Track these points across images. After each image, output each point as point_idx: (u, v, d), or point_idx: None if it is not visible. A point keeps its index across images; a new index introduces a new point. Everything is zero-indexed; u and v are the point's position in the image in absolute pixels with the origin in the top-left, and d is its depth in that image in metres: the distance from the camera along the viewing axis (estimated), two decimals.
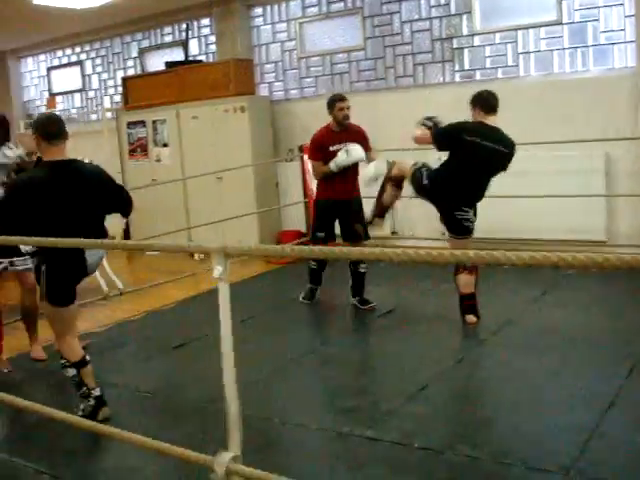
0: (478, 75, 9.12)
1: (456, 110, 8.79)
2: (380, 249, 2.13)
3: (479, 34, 9.06)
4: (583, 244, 8.12)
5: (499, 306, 6.51)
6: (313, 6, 10.30)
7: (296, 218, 10.12)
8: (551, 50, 8.62)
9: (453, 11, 9.20)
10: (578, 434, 3.93)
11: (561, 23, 8.50)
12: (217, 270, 2.56)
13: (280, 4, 10.57)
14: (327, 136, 6.96)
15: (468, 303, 6.12)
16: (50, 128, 4.40)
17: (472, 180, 6.00)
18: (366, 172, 6.78)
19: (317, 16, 10.29)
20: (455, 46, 9.24)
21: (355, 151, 6.75)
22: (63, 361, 4.61)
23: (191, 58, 11.22)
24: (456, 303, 6.23)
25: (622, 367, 4.87)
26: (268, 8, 10.72)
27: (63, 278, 4.48)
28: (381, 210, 6.71)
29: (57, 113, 10.84)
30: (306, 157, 8.65)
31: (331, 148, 6.84)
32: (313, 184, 7.89)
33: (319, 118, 9.96)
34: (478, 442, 3.92)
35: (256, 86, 10.78)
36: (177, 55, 11.53)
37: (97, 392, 4.53)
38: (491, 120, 6.04)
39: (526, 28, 8.72)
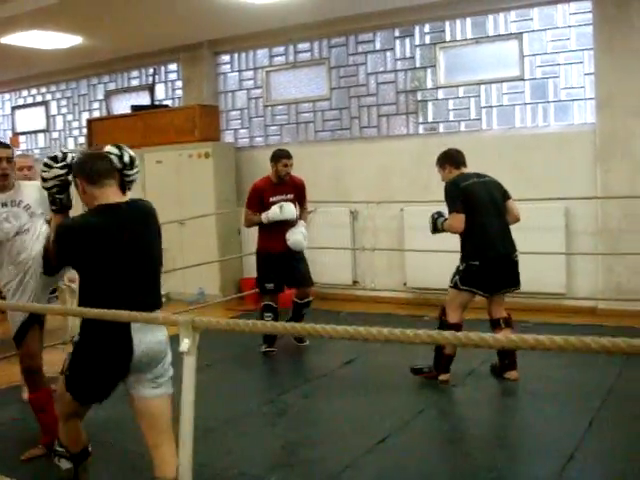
0: (441, 128, 9.25)
1: (419, 162, 8.98)
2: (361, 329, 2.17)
3: (443, 87, 9.20)
4: (545, 296, 8.21)
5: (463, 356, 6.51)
6: (280, 55, 10.40)
7: None
8: (513, 105, 8.78)
9: (418, 64, 9.36)
10: None
11: (523, 79, 8.68)
12: (184, 344, 2.51)
13: (247, 52, 10.66)
14: (268, 187, 7.10)
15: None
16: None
17: (493, 222, 5.84)
18: (295, 239, 7.02)
19: (284, 65, 10.39)
20: (419, 99, 9.37)
21: (289, 209, 6.94)
22: (59, 448, 3.59)
23: (157, 102, 11.24)
24: (416, 351, 6.24)
25: (583, 420, 4.90)
26: (235, 55, 10.80)
27: (95, 368, 3.31)
28: (445, 362, 5.87)
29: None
30: None
31: (271, 199, 7.03)
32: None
33: None
34: None
35: (221, 132, 10.82)
36: (143, 99, 11.55)
37: None
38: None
39: (489, 83, 8.89)
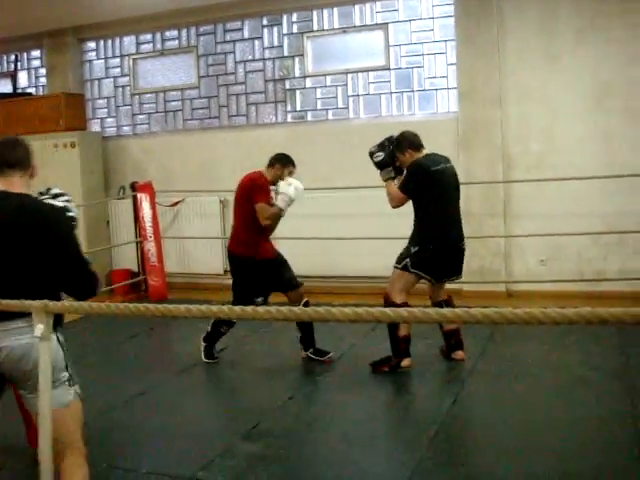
0: (310, 116, 9.34)
1: (288, 149, 8.95)
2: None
3: (311, 76, 9.29)
4: None
5: (333, 339, 6.59)
6: (147, 43, 10.23)
7: (127, 257, 9.91)
8: (379, 94, 8.95)
9: (286, 53, 9.40)
10: (404, 466, 4.05)
11: (389, 68, 8.86)
12: (38, 329, 2.45)
13: (114, 39, 10.43)
14: (267, 184, 6.23)
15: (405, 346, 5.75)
16: None
17: (452, 210, 5.75)
18: (296, 186, 6.05)
19: (151, 53, 10.23)
20: (288, 87, 9.42)
21: (299, 183, 6.10)
22: None
23: (20, 90, 10.88)
24: (290, 341, 6.30)
25: (448, 397, 5.08)
26: (101, 42, 10.55)
27: None
28: (403, 345, 5.71)
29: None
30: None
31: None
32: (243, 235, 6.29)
33: (151, 155, 9.96)
34: (311, 477, 3.95)
35: (87, 122, 10.56)
36: (5, 87, 11.14)
37: None
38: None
39: (355, 72, 9.02)
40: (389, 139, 5.89)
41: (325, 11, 9.15)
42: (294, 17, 9.33)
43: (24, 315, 2.84)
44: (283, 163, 6.27)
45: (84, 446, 3.13)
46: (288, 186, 5.98)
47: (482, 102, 8.26)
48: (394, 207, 5.79)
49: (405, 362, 5.68)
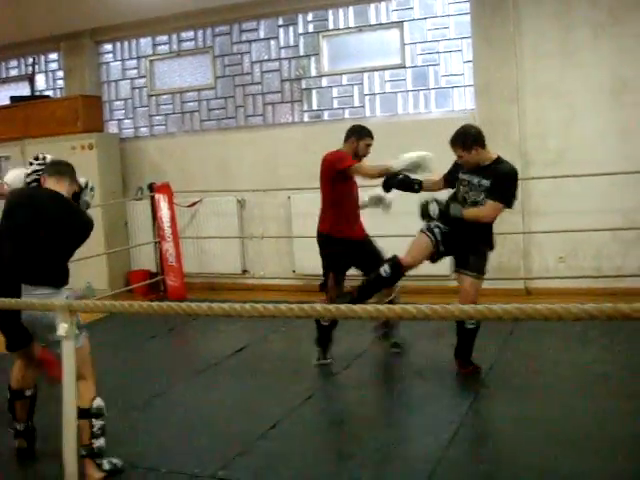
0: (326, 115, 9.34)
1: (305, 149, 9.04)
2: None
3: (327, 75, 9.29)
4: (429, 278, 8.40)
5: (348, 342, 6.60)
6: (164, 44, 10.27)
7: (146, 258, 9.96)
8: (395, 92, 8.94)
9: (302, 53, 9.40)
10: (425, 463, 4.04)
11: (404, 67, 8.85)
12: (62, 328, 2.47)
13: (130, 41, 10.48)
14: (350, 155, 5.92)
15: None
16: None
17: None
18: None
19: (168, 54, 10.27)
20: (304, 87, 9.43)
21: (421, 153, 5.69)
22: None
23: (38, 93, 10.93)
24: (301, 338, 6.31)
25: (466, 398, 5.07)
26: (118, 45, 10.60)
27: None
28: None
29: None
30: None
31: None
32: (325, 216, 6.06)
33: (169, 156, 9.99)
34: (330, 476, 3.95)
35: (105, 123, 10.60)
36: (23, 90, 11.20)
37: (20, 427, 4.50)
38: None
39: (371, 71, 9.01)
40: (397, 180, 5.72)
41: (340, 10, 9.15)
42: (309, 17, 9.33)
43: (47, 283, 4.06)
44: (359, 135, 5.96)
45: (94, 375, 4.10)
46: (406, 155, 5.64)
47: (499, 99, 8.23)
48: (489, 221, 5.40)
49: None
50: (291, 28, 9.44)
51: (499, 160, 5.39)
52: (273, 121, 9.64)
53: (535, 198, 8.20)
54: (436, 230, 5.41)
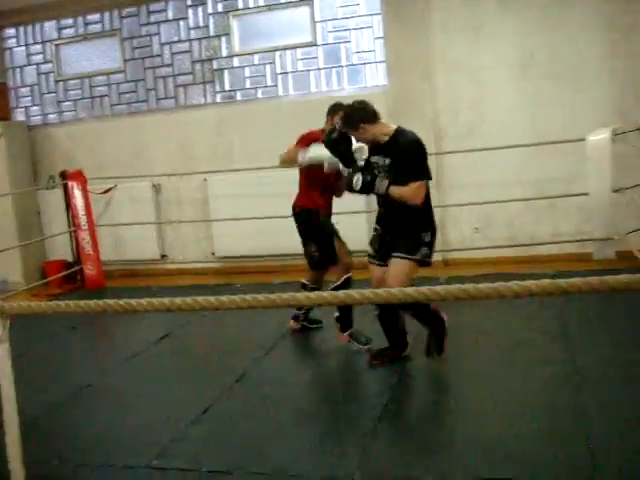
0: (239, 95, 9.27)
1: (219, 130, 9.00)
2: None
3: (238, 55, 9.21)
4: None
5: (272, 323, 6.61)
6: (69, 27, 9.98)
7: (62, 248, 9.71)
8: (307, 70, 8.94)
9: (212, 33, 9.29)
10: (360, 438, 4.09)
11: (316, 44, 8.84)
12: None
13: (34, 25, 10.16)
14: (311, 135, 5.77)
15: None
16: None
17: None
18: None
19: (74, 38, 9.99)
20: (215, 67, 9.33)
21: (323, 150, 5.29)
22: None
23: None
24: (233, 324, 6.29)
25: (393, 373, 5.15)
26: (21, 29, 10.26)
27: None
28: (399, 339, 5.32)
29: None
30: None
31: None
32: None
33: (80, 143, 9.78)
34: (264, 458, 3.94)
35: (12, 111, 10.31)
36: None
37: None
38: None
39: (283, 49, 8.98)
40: (335, 135, 5.02)
41: None
42: None
43: None
44: (332, 111, 5.78)
45: None
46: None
47: (410, 74, 8.31)
48: (420, 204, 4.86)
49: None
50: (200, 8, 9.30)
51: (397, 132, 4.95)
52: (185, 103, 9.51)
53: (449, 172, 8.32)
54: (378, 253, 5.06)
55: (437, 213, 8.14)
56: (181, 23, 9.42)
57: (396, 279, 4.76)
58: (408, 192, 4.78)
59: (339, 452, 3.95)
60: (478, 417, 4.24)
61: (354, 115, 4.92)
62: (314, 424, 4.43)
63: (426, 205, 4.94)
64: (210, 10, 9.26)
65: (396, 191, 4.79)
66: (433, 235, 5.01)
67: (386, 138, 4.94)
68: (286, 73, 9.03)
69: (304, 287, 5.96)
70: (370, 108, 4.95)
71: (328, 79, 8.88)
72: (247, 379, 5.35)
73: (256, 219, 8.40)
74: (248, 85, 9.22)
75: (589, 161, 6.96)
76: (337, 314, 5.63)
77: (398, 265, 4.88)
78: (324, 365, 5.62)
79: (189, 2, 9.35)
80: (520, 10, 8.02)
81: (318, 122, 8.55)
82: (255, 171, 8.62)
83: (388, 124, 5.06)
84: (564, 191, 7.81)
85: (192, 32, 9.38)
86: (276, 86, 9.08)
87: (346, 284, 5.55)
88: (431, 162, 8.23)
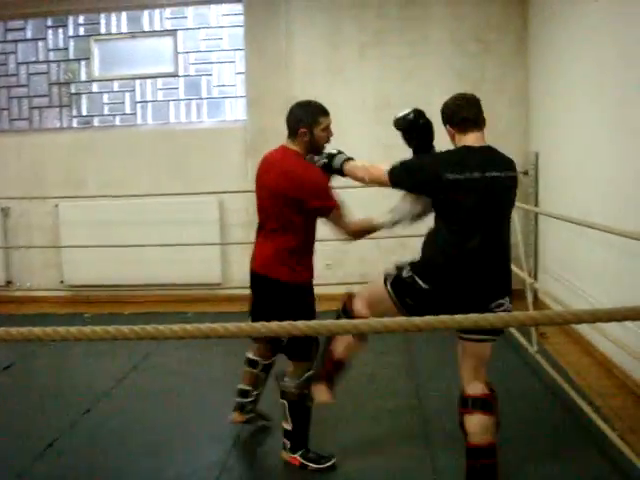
0: (96, 121, 9.12)
1: (74, 156, 8.82)
2: None
3: (97, 80, 9.08)
4: (201, 287, 8.49)
5: (122, 355, 6.50)
6: None
7: None
8: (168, 100, 8.93)
9: (72, 56, 9.13)
10: (209, 471, 4.10)
11: (177, 75, 8.85)
12: None
13: None
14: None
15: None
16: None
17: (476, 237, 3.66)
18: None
19: None
20: (73, 91, 9.16)
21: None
22: None
23: None
24: (80, 354, 6.16)
25: None
26: None
27: None
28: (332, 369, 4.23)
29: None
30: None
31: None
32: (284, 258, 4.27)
33: None
34: None
35: None
36: None
37: None
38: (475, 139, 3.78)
39: (144, 78, 8.93)
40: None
41: (113, 15, 8.97)
42: (81, 19, 9.07)
43: None
44: (311, 119, 4.41)
45: None
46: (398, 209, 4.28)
47: (270, 111, 8.41)
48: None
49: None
50: (61, 30, 9.13)
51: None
52: (40, 126, 9.28)
53: None
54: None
55: None
56: (40, 43, 9.21)
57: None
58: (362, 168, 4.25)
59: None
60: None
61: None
62: (163, 457, 4.38)
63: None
64: (71, 33, 9.10)
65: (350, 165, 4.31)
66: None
67: None
68: (146, 102, 8.98)
69: (252, 364, 4.61)
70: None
71: (188, 110, 8.90)
72: (96, 411, 5.22)
73: (108, 247, 8.26)
74: (106, 111, 9.10)
75: None
76: (288, 426, 4.21)
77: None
78: (172, 397, 5.55)
79: (49, 23, 9.16)
80: (379, 58, 8.34)
81: (176, 152, 8.64)
82: (109, 199, 8.50)
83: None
84: (413, 231, 8.05)
85: (51, 54, 9.18)
86: (135, 114, 9.01)
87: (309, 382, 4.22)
88: None
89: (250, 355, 4.61)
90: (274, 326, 1.94)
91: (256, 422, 4.68)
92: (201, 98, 8.87)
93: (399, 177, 3.95)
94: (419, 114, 4.17)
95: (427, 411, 4.82)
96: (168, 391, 5.58)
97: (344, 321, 2.13)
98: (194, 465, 4.21)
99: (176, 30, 8.83)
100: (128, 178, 8.70)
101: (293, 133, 4.29)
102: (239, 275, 8.60)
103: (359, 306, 4.03)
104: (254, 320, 4.08)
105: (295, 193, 4.03)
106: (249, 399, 4.58)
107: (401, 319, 1.99)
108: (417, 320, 1.92)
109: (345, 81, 8.39)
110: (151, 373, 6.08)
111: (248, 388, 4.57)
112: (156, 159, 8.69)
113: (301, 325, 1.96)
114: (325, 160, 4.26)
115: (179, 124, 8.88)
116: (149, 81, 8.95)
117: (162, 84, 8.94)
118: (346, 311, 4.10)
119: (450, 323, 1.91)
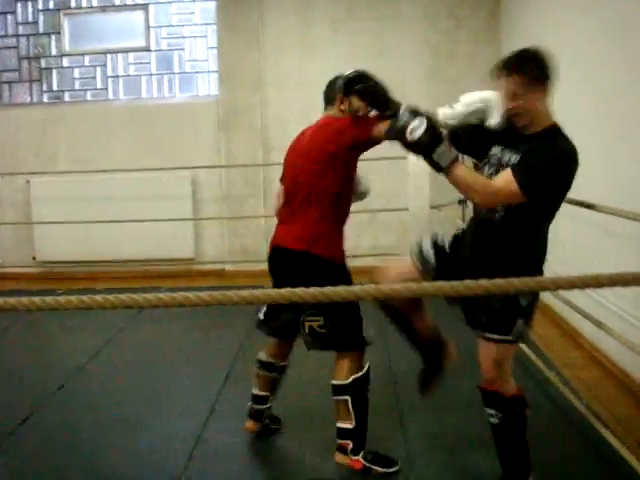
0: (67, 96, 9.06)
1: (45, 131, 8.77)
2: None
3: (68, 55, 9.01)
4: (175, 262, 8.51)
5: (94, 329, 6.53)
6: None
7: None
8: (139, 75, 8.88)
9: (41, 30, 9.04)
10: (184, 443, 4.11)
11: (149, 50, 8.81)
12: None
13: None
14: None
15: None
16: None
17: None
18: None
19: None
20: (43, 66, 9.08)
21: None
22: None
23: None
24: (57, 329, 6.14)
25: (218, 377, 5.20)
26: None
27: None
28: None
29: None
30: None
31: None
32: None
33: None
34: (90, 468, 3.89)
35: None
36: None
37: None
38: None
39: (115, 52, 8.88)
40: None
41: None
42: None
43: None
44: (346, 88, 3.82)
45: None
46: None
47: (242, 86, 8.44)
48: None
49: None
50: (30, 3, 9.02)
51: (553, 130, 3.18)
52: (10, 101, 9.20)
53: (276, 183, 8.45)
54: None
55: (263, 222, 8.44)
56: (9, 17, 9.10)
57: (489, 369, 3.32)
58: (484, 182, 3.12)
59: (162, 457, 3.99)
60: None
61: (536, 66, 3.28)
62: (137, 430, 4.38)
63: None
64: (40, 6, 9.00)
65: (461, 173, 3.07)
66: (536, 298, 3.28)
67: (538, 128, 3.17)
68: (117, 77, 8.93)
69: (268, 368, 4.11)
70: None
71: (160, 85, 8.86)
72: (69, 387, 5.21)
73: (80, 223, 8.24)
74: (77, 86, 9.04)
75: (410, 178, 7.29)
76: (349, 425, 3.74)
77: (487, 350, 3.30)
78: (147, 373, 5.57)
79: None
80: (351, 33, 8.34)
81: (149, 127, 8.61)
82: (81, 174, 8.47)
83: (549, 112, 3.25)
84: (384, 206, 8.12)
85: (20, 27, 9.09)
86: (106, 89, 8.95)
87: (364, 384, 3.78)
88: (259, 172, 8.50)
89: (263, 357, 4.08)
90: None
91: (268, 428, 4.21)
92: (173, 73, 8.83)
93: (541, 192, 3.03)
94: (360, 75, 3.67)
95: (398, 383, 4.89)
96: (142, 365, 5.60)
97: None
98: (169, 437, 4.23)
99: (148, 4, 8.77)
100: (100, 153, 8.67)
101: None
102: (212, 250, 8.67)
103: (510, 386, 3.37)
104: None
105: (333, 136, 3.61)
106: (267, 405, 4.14)
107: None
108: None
109: (317, 56, 8.38)
110: (125, 348, 6.08)
111: (265, 394, 4.11)
112: (128, 134, 8.66)
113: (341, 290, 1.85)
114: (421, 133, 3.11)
115: (151, 99, 8.85)
116: (120, 55, 8.89)
117: (134, 58, 8.89)
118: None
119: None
